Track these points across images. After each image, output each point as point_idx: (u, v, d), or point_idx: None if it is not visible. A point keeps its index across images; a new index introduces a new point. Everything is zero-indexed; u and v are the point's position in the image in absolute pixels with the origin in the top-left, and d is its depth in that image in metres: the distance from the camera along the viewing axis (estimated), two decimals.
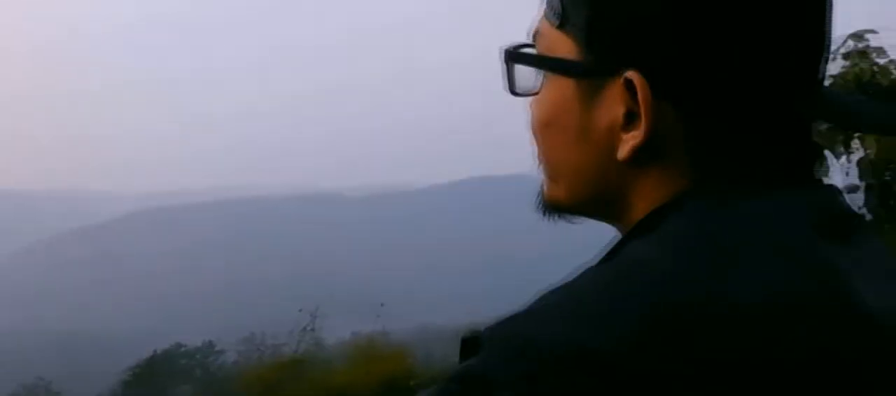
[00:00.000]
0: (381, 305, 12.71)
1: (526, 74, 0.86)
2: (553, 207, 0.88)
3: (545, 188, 0.88)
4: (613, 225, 0.85)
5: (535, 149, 0.88)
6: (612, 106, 0.79)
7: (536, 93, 0.86)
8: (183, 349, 41.49)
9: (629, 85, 0.77)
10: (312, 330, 12.29)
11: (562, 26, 0.82)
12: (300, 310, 12.39)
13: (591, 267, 0.75)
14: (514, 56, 0.86)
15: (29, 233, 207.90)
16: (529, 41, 0.87)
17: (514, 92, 0.87)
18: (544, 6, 0.85)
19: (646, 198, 0.80)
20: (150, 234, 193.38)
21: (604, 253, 0.79)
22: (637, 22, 0.77)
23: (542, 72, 0.85)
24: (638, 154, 0.78)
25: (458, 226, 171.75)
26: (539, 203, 0.89)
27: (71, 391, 48.23)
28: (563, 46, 0.82)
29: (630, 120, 0.78)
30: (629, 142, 0.78)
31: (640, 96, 0.77)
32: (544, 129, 0.86)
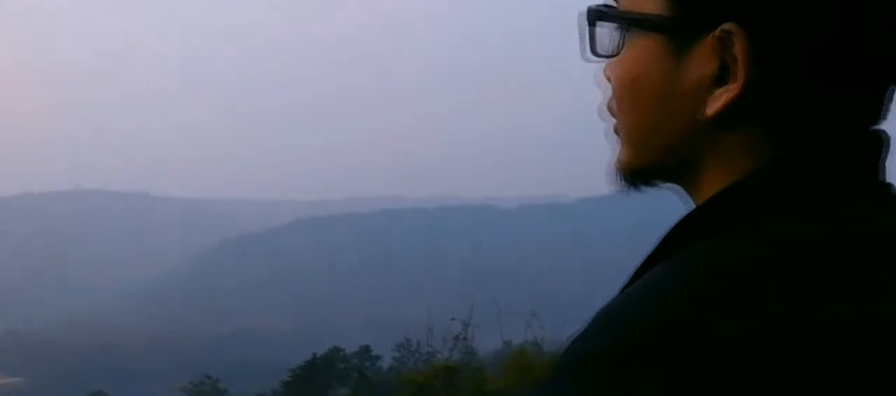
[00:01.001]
0: (533, 315, 12.71)
1: (606, 36, 0.82)
2: (627, 174, 0.84)
3: (620, 156, 0.84)
4: (684, 189, 0.82)
5: (615, 117, 0.84)
6: (703, 61, 0.75)
7: (616, 55, 0.82)
8: (341, 353, 42.53)
9: (724, 40, 0.73)
10: (465, 338, 12.39)
11: None
12: (453, 319, 12.52)
13: (661, 266, 0.73)
14: (598, 14, 0.82)
15: (201, 239, 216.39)
16: (610, 1, 0.84)
17: (595, 53, 0.83)
18: None
19: (723, 162, 0.77)
20: (310, 241, 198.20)
21: (661, 243, 0.76)
22: None
23: (623, 33, 0.81)
24: (726, 113, 0.75)
25: (614, 237, 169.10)
26: (614, 175, 0.85)
27: (235, 388, 50.15)
28: (648, 2, 0.79)
29: (722, 77, 0.74)
30: (722, 97, 0.74)
31: (737, 49, 0.73)
32: (628, 89, 0.81)
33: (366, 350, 44.63)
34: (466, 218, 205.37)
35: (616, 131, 0.85)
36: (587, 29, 0.83)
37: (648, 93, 0.80)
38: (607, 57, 0.83)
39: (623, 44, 0.81)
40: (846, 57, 0.72)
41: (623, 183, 0.85)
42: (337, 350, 42.71)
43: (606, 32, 0.82)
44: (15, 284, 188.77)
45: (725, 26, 0.73)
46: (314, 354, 39.27)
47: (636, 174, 0.84)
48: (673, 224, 0.76)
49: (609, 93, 0.84)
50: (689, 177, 0.80)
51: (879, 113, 0.76)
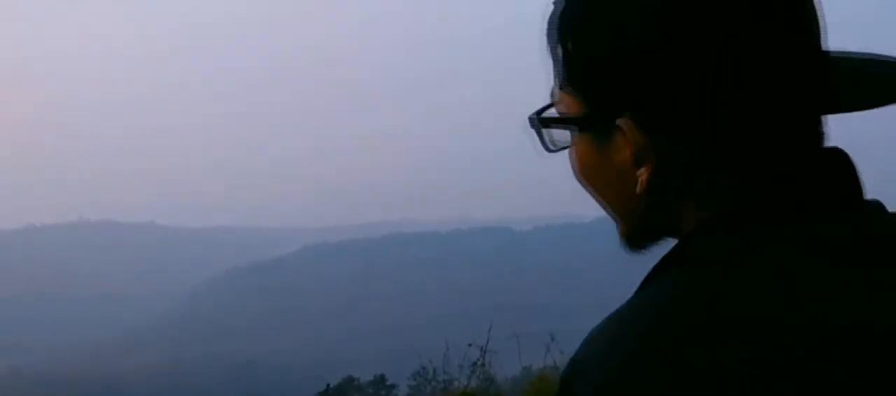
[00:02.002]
0: (552, 339, 12.14)
1: (553, 135, 0.92)
2: (627, 243, 0.93)
3: (617, 228, 0.94)
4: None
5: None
6: (620, 149, 0.84)
7: (567, 147, 0.92)
8: (355, 382, 41.92)
9: (625, 131, 0.83)
10: (483, 364, 11.88)
11: (562, 87, 0.89)
12: (470, 345, 12.01)
13: (631, 299, 0.83)
14: (535, 122, 0.92)
15: (208, 268, 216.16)
16: (551, 100, 0.92)
17: (549, 151, 0.93)
18: (553, 68, 0.91)
19: (683, 220, 0.86)
20: (320, 269, 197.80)
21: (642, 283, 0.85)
22: (618, 68, 0.82)
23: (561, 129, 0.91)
24: (657, 185, 0.84)
25: (629, 260, 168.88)
26: (621, 243, 0.94)
27: None
28: (570, 104, 0.88)
29: (639, 158, 0.83)
30: (642, 178, 0.84)
31: (636, 139, 0.82)
32: (582, 181, 0.92)
33: (381, 379, 43.95)
34: (481, 241, 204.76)
35: None
36: (535, 133, 0.93)
37: (596, 181, 0.90)
38: (562, 150, 0.93)
39: (569, 138, 0.91)
40: (730, 115, 0.80)
41: (627, 249, 0.94)
42: (351, 379, 42.05)
43: (552, 132, 0.92)
44: (19, 319, 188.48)
45: (619, 122, 0.83)
46: (328, 385, 38.53)
47: (632, 241, 0.93)
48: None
49: None
50: (671, 235, 0.89)
51: (799, 142, 0.82)
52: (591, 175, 0.90)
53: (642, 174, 0.83)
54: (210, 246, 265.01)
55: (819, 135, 0.84)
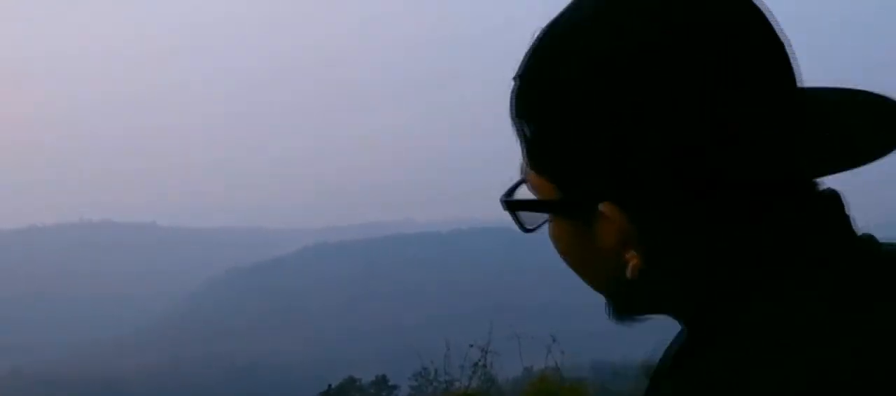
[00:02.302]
0: (553, 340, 12.21)
1: (528, 216, 0.88)
2: (618, 315, 0.90)
3: (605, 302, 0.90)
4: (675, 318, 0.87)
5: None
6: (604, 232, 0.81)
7: (543, 224, 0.89)
8: (356, 383, 41.97)
9: (609, 217, 0.79)
10: (484, 365, 11.97)
11: (534, 169, 0.84)
12: (471, 346, 12.09)
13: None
14: (510, 205, 0.88)
15: (209, 269, 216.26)
16: (522, 179, 0.88)
17: (526, 231, 0.90)
18: (519, 139, 0.86)
19: (683, 295, 0.82)
20: (320, 269, 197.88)
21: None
22: (593, 153, 0.78)
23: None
24: (645, 269, 0.81)
25: None
26: (607, 312, 0.90)
27: None
28: (544, 187, 0.84)
29: (624, 240, 0.80)
30: (630, 262, 0.80)
31: (620, 225, 0.79)
32: (564, 259, 0.88)
33: (382, 379, 43.99)
34: (481, 242, 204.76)
35: None
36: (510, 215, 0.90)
37: (579, 263, 0.87)
38: (538, 228, 0.89)
39: (545, 217, 0.88)
40: (724, 187, 0.77)
41: (616, 321, 0.90)
42: (352, 380, 42.11)
43: (527, 214, 0.88)
44: (20, 319, 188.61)
45: (601, 208, 0.79)
46: (329, 385, 38.66)
47: (619, 314, 0.89)
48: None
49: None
50: (662, 310, 0.86)
51: (792, 193, 0.79)
52: (575, 257, 0.86)
53: (633, 258, 0.80)
54: (210, 247, 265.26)
55: (814, 185, 0.82)
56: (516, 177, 0.88)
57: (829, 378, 0.70)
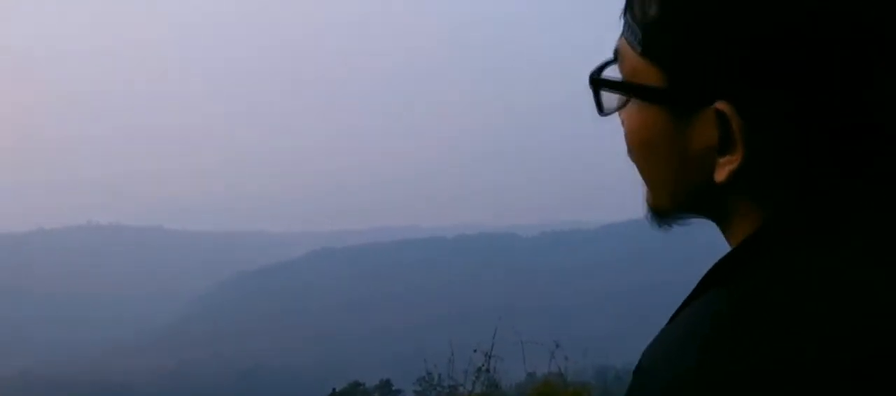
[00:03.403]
0: (556, 345, 12.30)
1: (614, 98, 0.88)
2: (660, 214, 0.90)
3: (649, 198, 0.90)
4: (720, 227, 0.87)
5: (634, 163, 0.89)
6: (705, 131, 0.80)
7: (623, 109, 0.88)
8: (361, 387, 42.07)
9: (720, 115, 0.78)
10: (487, 370, 12.05)
11: (645, 53, 0.83)
12: (475, 351, 12.18)
13: (686, 313, 0.81)
14: (600, 82, 0.87)
15: (215, 273, 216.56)
16: (613, 58, 0.88)
17: (603, 113, 0.89)
18: (624, 27, 0.86)
19: (748, 216, 0.82)
20: (327, 274, 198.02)
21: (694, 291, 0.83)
22: (725, 52, 0.77)
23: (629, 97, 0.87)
24: (735, 178, 0.80)
25: (638, 264, 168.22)
26: (648, 212, 0.91)
27: None
28: (648, 73, 0.83)
29: (724, 144, 0.79)
30: (726, 166, 0.80)
31: (733, 126, 0.78)
32: (638, 150, 0.87)
33: (386, 384, 44.10)
34: (487, 247, 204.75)
35: (640, 173, 0.90)
36: (592, 92, 0.88)
37: (658, 156, 0.85)
38: (615, 111, 0.89)
39: (631, 102, 0.87)
40: (832, 120, 0.77)
41: (653, 221, 0.91)
42: (357, 384, 42.21)
43: (614, 95, 0.88)
44: (28, 322, 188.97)
45: (718, 106, 0.78)
46: (333, 389, 38.78)
47: (661, 215, 0.90)
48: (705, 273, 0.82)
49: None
50: (721, 223, 0.86)
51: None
52: (654, 150, 0.85)
53: (727, 162, 0.80)
54: (217, 251, 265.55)
55: None
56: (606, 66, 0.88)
57: (849, 358, 0.70)
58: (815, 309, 0.72)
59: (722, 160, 0.80)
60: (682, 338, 0.77)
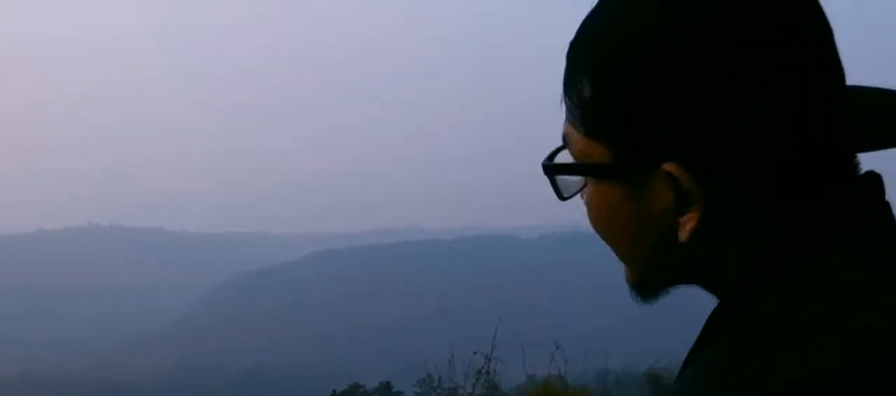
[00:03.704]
0: (556, 347, 12.37)
1: (570, 181, 0.89)
2: (640, 291, 0.91)
3: (627, 275, 0.91)
4: (707, 289, 0.87)
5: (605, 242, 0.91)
6: (659, 195, 0.81)
7: (583, 190, 0.89)
8: (361, 389, 42.06)
9: (670, 175, 0.79)
10: (487, 372, 12.13)
11: (588, 133, 0.84)
12: (475, 353, 12.24)
13: (710, 351, 0.79)
14: (553, 168, 0.89)
15: (216, 274, 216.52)
16: (562, 145, 0.89)
17: (563, 198, 0.90)
18: (566, 111, 0.87)
19: (726, 266, 0.83)
20: (327, 275, 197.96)
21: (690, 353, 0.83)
22: (661, 116, 0.79)
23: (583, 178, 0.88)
24: (699, 234, 0.81)
25: None
26: (630, 290, 0.91)
27: None
28: (595, 151, 0.84)
29: (680, 203, 0.81)
30: (686, 225, 0.81)
31: (684, 184, 0.79)
32: (603, 228, 0.88)
33: (387, 385, 44.05)
34: (486, 249, 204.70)
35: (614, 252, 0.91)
36: (549, 179, 0.90)
37: (621, 230, 0.86)
38: (575, 194, 0.90)
39: (587, 183, 0.88)
40: (779, 153, 0.79)
41: (637, 298, 0.91)
42: (357, 386, 42.15)
43: (569, 179, 0.89)
44: (30, 323, 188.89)
45: (665, 167, 0.80)
46: (334, 390, 38.77)
47: (642, 290, 0.90)
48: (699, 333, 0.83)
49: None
50: (694, 281, 0.87)
51: (842, 172, 0.81)
52: (618, 222, 0.86)
53: (688, 220, 0.81)
54: (218, 252, 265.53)
55: (854, 166, 0.83)
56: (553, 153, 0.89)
57: (860, 359, 0.70)
58: (802, 357, 0.71)
59: (682, 220, 0.81)
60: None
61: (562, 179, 0.89)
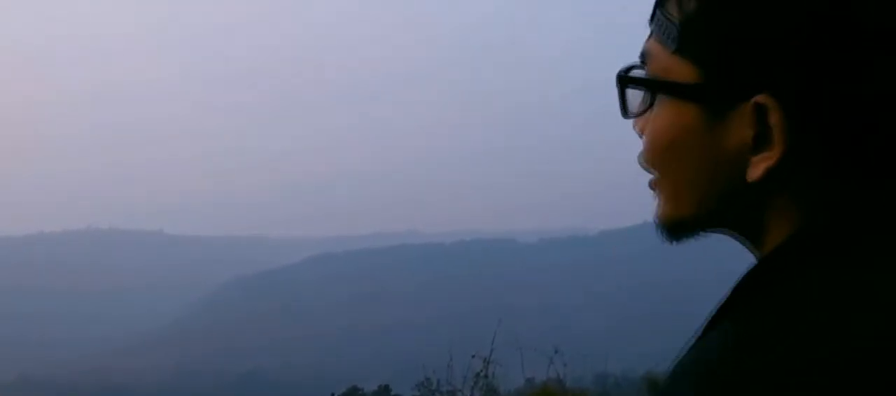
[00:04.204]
0: (555, 352, 12.35)
1: (639, 97, 0.85)
2: (670, 227, 0.86)
3: (666, 209, 0.86)
4: (744, 242, 0.83)
5: (652, 170, 0.86)
6: (740, 128, 0.77)
7: (648, 110, 0.85)
8: (359, 392, 42.07)
9: (759, 109, 0.76)
10: (486, 375, 12.11)
11: (679, 50, 0.81)
12: (473, 356, 12.23)
13: (725, 329, 0.75)
14: (629, 80, 0.85)
15: (214, 277, 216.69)
16: (639, 62, 0.86)
17: (626, 115, 0.86)
18: (654, 27, 0.84)
19: (781, 221, 0.79)
20: (326, 278, 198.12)
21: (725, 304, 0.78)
22: (764, 46, 0.75)
23: (656, 95, 0.84)
24: (770, 176, 0.77)
25: (633, 273, 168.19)
26: (659, 226, 0.86)
27: None
28: (681, 70, 0.81)
29: (759, 142, 0.77)
30: (761, 164, 0.77)
31: (772, 120, 0.75)
32: (664, 152, 0.84)
33: (385, 388, 44.03)
34: (486, 253, 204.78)
35: (653, 186, 0.86)
36: (618, 91, 0.86)
37: (686, 157, 0.82)
38: (641, 114, 0.85)
39: (657, 104, 0.83)
40: (874, 119, 0.74)
41: (666, 236, 0.86)
42: (355, 388, 42.12)
43: (639, 94, 0.85)
44: (28, 326, 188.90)
45: (758, 98, 0.75)
46: (332, 394, 38.85)
47: (679, 227, 0.85)
48: (723, 296, 0.79)
49: (641, 146, 0.86)
50: (750, 234, 0.82)
51: None
52: (684, 150, 0.81)
53: (763, 159, 0.76)
54: (216, 255, 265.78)
55: None
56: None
57: (885, 349, 0.66)
58: (828, 358, 0.67)
59: (756, 158, 0.77)
60: (682, 375, 0.74)
61: (632, 94, 0.85)
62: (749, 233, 0.82)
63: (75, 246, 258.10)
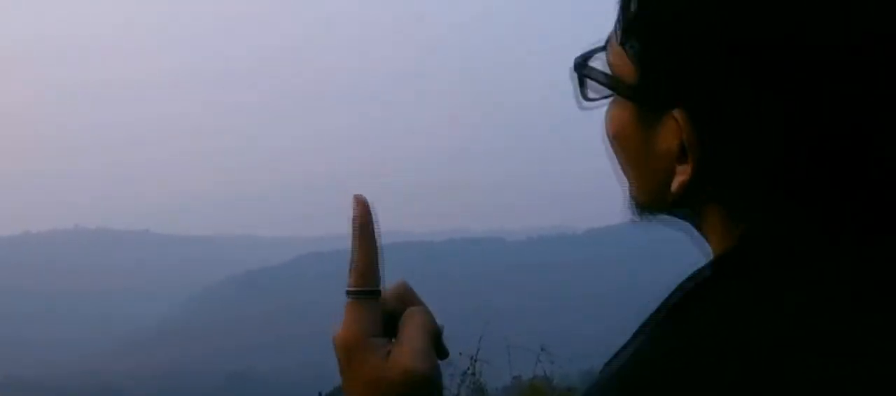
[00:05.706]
0: (542, 350, 12.47)
1: (594, 87, 0.85)
2: (637, 207, 0.86)
3: (628, 189, 0.87)
4: (699, 233, 0.83)
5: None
6: (667, 136, 0.77)
7: (604, 98, 0.85)
8: None
9: (678, 122, 0.76)
10: (473, 374, 12.20)
11: (622, 43, 0.80)
12: (460, 354, 12.30)
13: (659, 329, 0.76)
14: (583, 68, 0.85)
15: (204, 276, 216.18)
16: (602, 46, 0.85)
17: (585, 100, 0.86)
18: (618, 9, 0.82)
19: (715, 231, 0.79)
20: (315, 277, 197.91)
21: (669, 305, 0.78)
22: (688, 58, 0.74)
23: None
24: (690, 190, 0.77)
25: (624, 269, 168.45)
26: (629, 202, 0.87)
27: None
28: (624, 65, 0.80)
29: (683, 153, 0.76)
30: (679, 177, 0.77)
31: (684, 136, 0.75)
32: (612, 141, 0.85)
33: None
34: (473, 252, 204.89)
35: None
36: (576, 77, 0.86)
37: (627, 151, 0.83)
38: (596, 100, 0.85)
39: (604, 97, 0.84)
40: (795, 135, 0.72)
41: (634, 212, 0.86)
42: None
43: (595, 84, 0.84)
44: (14, 327, 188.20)
45: (674, 112, 0.75)
46: (320, 393, 38.94)
47: (639, 207, 0.86)
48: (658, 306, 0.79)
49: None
50: (691, 224, 0.83)
51: (866, 174, 0.73)
52: (625, 145, 0.83)
53: (682, 173, 0.76)
54: (205, 254, 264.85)
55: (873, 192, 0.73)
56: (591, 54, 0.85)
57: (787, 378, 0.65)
58: (747, 378, 0.66)
59: (679, 169, 0.77)
60: (610, 378, 0.74)
61: (589, 83, 0.85)
62: (700, 231, 0.82)
63: (62, 246, 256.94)
